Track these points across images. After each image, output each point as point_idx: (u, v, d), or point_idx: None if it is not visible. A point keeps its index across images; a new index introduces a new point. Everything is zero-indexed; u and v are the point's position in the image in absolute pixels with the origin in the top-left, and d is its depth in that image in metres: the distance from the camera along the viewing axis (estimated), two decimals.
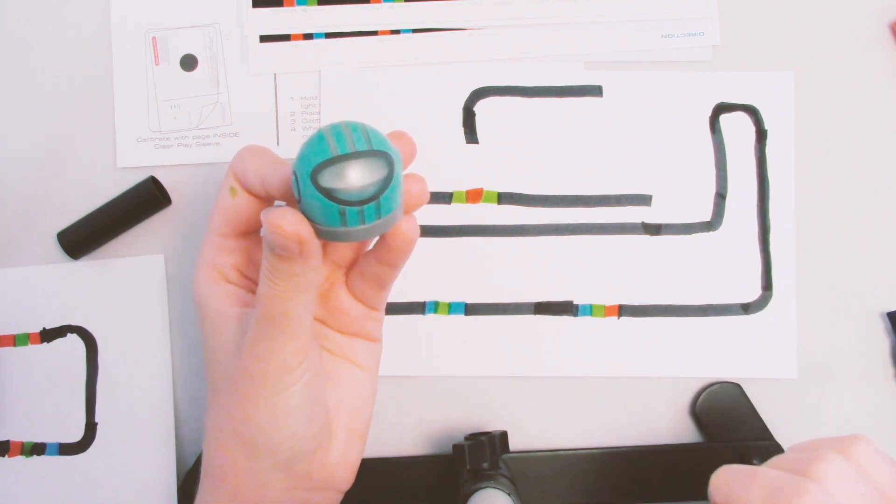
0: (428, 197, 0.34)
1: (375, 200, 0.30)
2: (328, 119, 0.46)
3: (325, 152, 0.29)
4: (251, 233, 0.36)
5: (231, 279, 0.36)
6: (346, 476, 0.37)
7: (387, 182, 0.30)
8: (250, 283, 0.36)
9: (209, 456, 0.35)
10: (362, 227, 0.30)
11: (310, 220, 0.30)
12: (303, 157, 0.30)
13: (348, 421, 0.37)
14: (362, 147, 0.29)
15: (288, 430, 0.33)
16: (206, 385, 0.36)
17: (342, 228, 0.30)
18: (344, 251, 0.36)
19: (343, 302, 0.37)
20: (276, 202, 0.36)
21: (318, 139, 0.30)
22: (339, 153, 0.29)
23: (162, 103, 0.46)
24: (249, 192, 0.35)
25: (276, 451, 0.34)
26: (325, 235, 0.31)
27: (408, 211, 0.33)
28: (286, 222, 0.30)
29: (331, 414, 0.36)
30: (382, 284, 0.36)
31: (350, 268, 0.37)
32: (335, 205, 0.29)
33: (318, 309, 0.36)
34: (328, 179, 0.29)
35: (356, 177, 0.29)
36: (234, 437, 0.34)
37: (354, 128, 0.30)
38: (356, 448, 0.37)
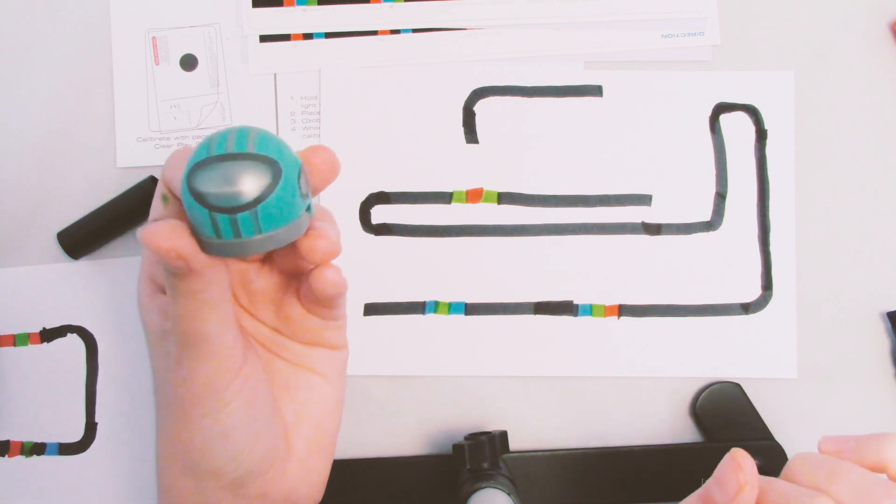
0: (336, 171, 0.31)
1: (251, 210, 0.26)
2: (328, 119, 0.46)
3: (202, 153, 0.27)
4: None
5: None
6: (309, 493, 0.35)
7: (268, 189, 0.26)
8: None
9: (160, 478, 0.34)
10: (240, 240, 0.27)
11: (195, 232, 0.28)
12: (188, 161, 0.27)
13: (310, 434, 0.35)
14: (240, 150, 0.26)
15: (228, 453, 0.31)
16: (155, 403, 0.35)
17: (218, 240, 0.27)
18: (284, 260, 0.33)
19: (296, 312, 0.34)
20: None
21: (205, 142, 0.27)
22: (215, 154, 0.26)
23: (162, 103, 0.46)
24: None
25: (218, 475, 0.32)
26: (209, 249, 0.28)
27: (316, 189, 0.31)
28: (160, 236, 0.27)
29: (288, 428, 0.34)
30: (331, 306, 0.34)
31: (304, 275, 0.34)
32: (205, 210, 0.26)
33: (270, 317, 0.34)
34: (199, 181, 0.26)
35: (224, 179, 0.26)
36: (177, 462, 0.33)
37: (243, 131, 0.27)
38: (320, 462, 0.35)
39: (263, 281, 0.34)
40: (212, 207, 0.26)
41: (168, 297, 0.30)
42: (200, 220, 0.27)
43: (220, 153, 0.26)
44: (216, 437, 0.31)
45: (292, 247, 0.30)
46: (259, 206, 0.27)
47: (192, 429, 0.31)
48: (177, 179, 0.31)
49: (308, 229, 0.30)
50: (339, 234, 0.32)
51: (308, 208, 0.29)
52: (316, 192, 0.31)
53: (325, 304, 0.33)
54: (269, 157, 0.27)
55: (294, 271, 0.34)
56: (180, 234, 0.27)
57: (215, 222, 0.27)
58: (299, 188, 0.28)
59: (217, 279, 0.29)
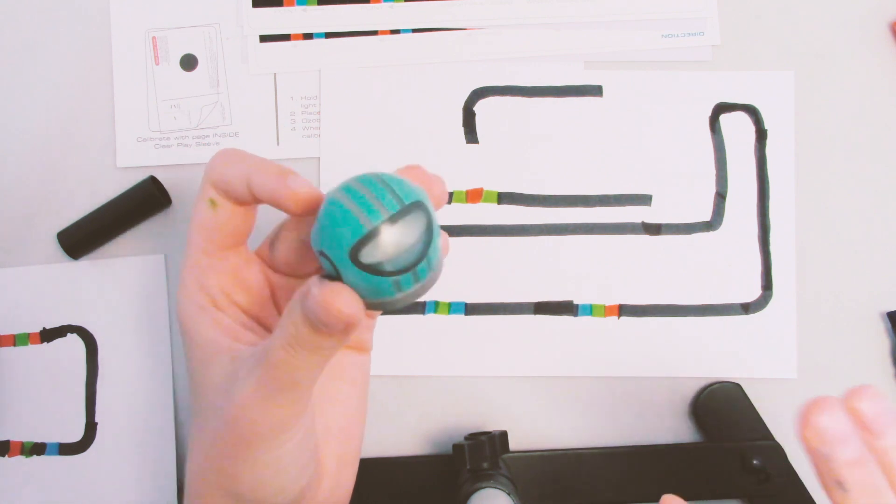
0: (447, 196, 0.30)
1: (425, 257, 0.26)
2: (328, 119, 0.46)
3: (357, 225, 0.25)
4: (237, 246, 0.33)
5: (221, 305, 0.32)
6: (338, 503, 0.34)
7: (429, 233, 0.26)
8: (239, 311, 0.33)
9: (193, 494, 0.32)
10: (416, 286, 0.26)
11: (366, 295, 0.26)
12: (330, 234, 0.26)
13: (338, 448, 0.34)
14: (394, 207, 0.25)
15: (278, 485, 0.30)
16: (191, 407, 0.33)
17: (395, 296, 0.26)
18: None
19: None
20: (313, 264, 0.33)
21: (340, 210, 0.26)
22: (374, 223, 0.25)
23: (162, 103, 0.46)
24: (232, 200, 0.32)
25: (263, 503, 0.31)
26: (374, 307, 0.27)
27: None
28: (344, 304, 0.26)
29: (319, 446, 0.33)
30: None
31: None
32: (386, 279, 0.25)
33: None
34: (371, 255, 0.25)
35: (401, 242, 0.25)
36: (218, 489, 0.31)
37: (374, 185, 0.26)
38: (347, 476, 0.34)
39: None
40: (391, 273, 0.25)
41: (281, 342, 0.28)
42: (377, 287, 0.26)
43: (378, 220, 0.25)
44: (269, 474, 0.30)
45: None
46: (429, 250, 0.26)
47: (244, 463, 0.30)
48: (238, 179, 0.30)
49: None
50: None
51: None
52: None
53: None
54: (416, 202, 0.26)
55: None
56: (357, 301, 0.26)
57: (397, 283, 0.26)
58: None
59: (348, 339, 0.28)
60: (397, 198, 0.25)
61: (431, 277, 0.27)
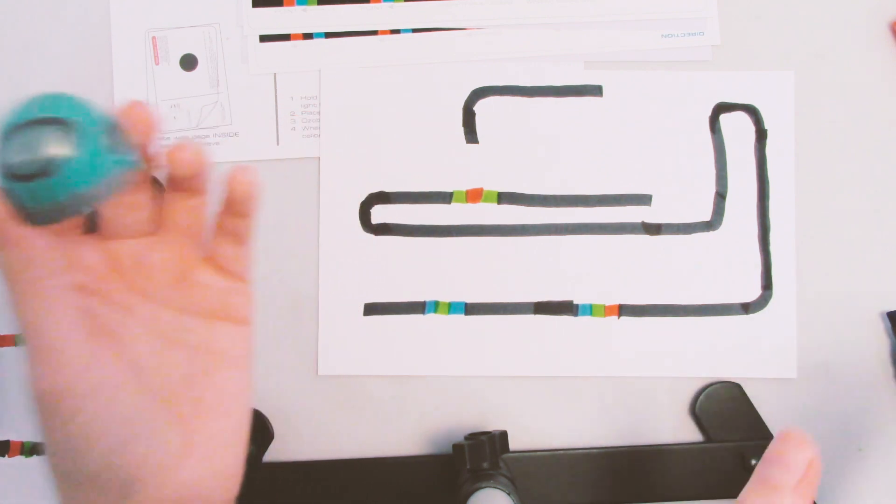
0: (153, 124, 0.30)
1: (47, 176, 0.27)
2: (328, 119, 0.46)
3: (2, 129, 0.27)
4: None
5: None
6: (221, 487, 0.33)
7: (62, 154, 0.27)
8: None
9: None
10: (50, 204, 0.27)
11: (13, 202, 0.28)
12: None
13: (215, 426, 0.32)
14: (28, 116, 0.27)
15: (97, 461, 0.29)
16: None
17: (38, 206, 0.27)
18: (184, 218, 0.33)
19: (202, 277, 0.33)
20: None
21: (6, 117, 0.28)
22: (10, 123, 0.27)
23: (162, 103, 0.46)
24: None
25: (95, 483, 0.30)
26: (31, 219, 0.28)
27: (145, 141, 0.30)
28: None
29: (186, 422, 0.32)
30: (239, 238, 0.33)
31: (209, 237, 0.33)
32: (20, 185, 0.27)
33: (171, 294, 0.33)
34: (2, 158, 0.27)
35: (19, 147, 0.26)
36: (57, 469, 0.31)
37: (34, 99, 0.27)
38: (228, 454, 0.33)
39: (160, 253, 0.32)
40: (13, 176, 0.27)
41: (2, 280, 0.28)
42: (7, 192, 0.27)
43: (14, 123, 0.27)
44: (79, 443, 0.29)
45: (181, 194, 0.31)
46: (56, 171, 0.27)
47: (53, 434, 0.29)
48: None
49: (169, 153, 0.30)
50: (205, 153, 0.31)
51: (129, 164, 0.29)
52: (140, 148, 0.30)
53: (238, 212, 0.32)
54: (58, 119, 0.27)
55: (194, 231, 0.33)
56: None
57: (14, 191, 0.27)
58: (105, 145, 0.28)
59: (39, 254, 0.28)
60: (43, 110, 0.27)
61: (61, 205, 0.28)
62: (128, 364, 0.31)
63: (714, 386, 0.45)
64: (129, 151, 0.30)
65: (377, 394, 0.45)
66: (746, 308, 0.45)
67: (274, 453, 0.45)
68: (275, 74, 0.46)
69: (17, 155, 0.27)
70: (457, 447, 0.41)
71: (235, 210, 0.32)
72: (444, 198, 0.46)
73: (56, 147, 0.27)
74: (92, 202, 0.28)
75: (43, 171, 0.27)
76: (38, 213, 0.28)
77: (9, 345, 0.45)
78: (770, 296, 0.45)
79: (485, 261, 0.46)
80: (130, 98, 0.30)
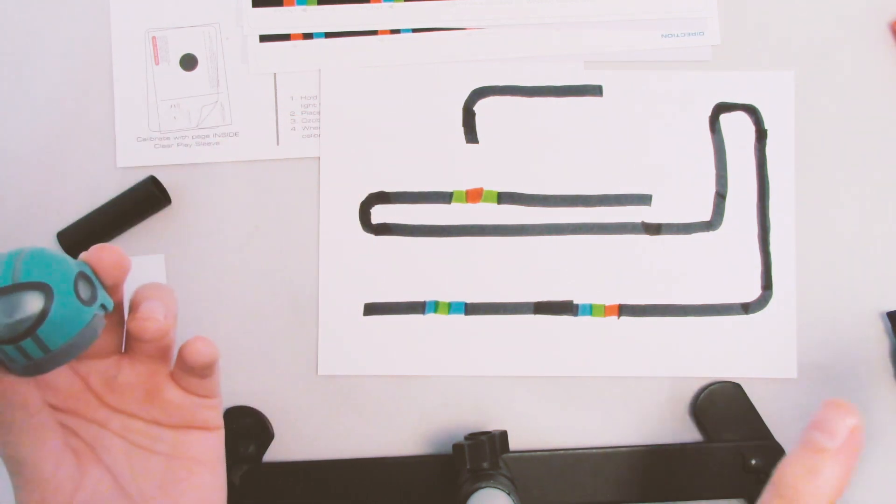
0: (125, 266, 0.31)
1: (31, 335, 0.28)
2: (328, 119, 0.46)
3: None
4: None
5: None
6: None
7: (42, 313, 0.28)
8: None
9: None
10: (33, 361, 0.29)
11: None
12: None
13: None
14: (5, 282, 0.28)
15: None
16: None
17: (9, 365, 0.29)
18: (150, 347, 0.33)
19: (171, 395, 0.34)
20: None
21: None
22: None
23: (162, 103, 0.46)
24: None
25: None
26: (15, 373, 0.29)
27: (116, 287, 0.31)
28: None
29: None
30: (203, 376, 0.34)
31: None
32: None
33: (143, 408, 0.34)
34: None
35: (3, 314, 0.28)
36: None
37: (8, 263, 0.28)
38: None
39: (128, 373, 0.34)
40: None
41: None
42: None
43: None
44: None
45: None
46: (38, 331, 0.28)
47: None
48: None
49: (134, 313, 0.31)
50: (174, 302, 0.33)
51: (101, 307, 0.30)
52: (112, 289, 0.31)
53: (198, 374, 0.33)
54: (36, 283, 0.28)
55: (162, 354, 0.34)
56: None
57: (4, 352, 0.28)
58: (78, 298, 0.29)
59: (19, 401, 0.30)
60: (18, 275, 0.28)
61: (48, 359, 0.29)
62: (111, 478, 0.33)
63: (714, 386, 0.45)
64: (102, 296, 0.31)
65: (377, 394, 0.45)
66: (746, 308, 0.45)
67: (274, 453, 0.45)
68: (275, 74, 0.46)
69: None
70: (457, 447, 0.41)
71: (195, 374, 0.34)
72: (444, 198, 0.46)
73: (36, 309, 0.28)
74: (76, 352, 0.30)
75: (25, 333, 0.28)
76: (22, 369, 0.29)
77: None
78: (770, 296, 0.45)
79: (485, 261, 0.46)
80: (98, 245, 0.31)
